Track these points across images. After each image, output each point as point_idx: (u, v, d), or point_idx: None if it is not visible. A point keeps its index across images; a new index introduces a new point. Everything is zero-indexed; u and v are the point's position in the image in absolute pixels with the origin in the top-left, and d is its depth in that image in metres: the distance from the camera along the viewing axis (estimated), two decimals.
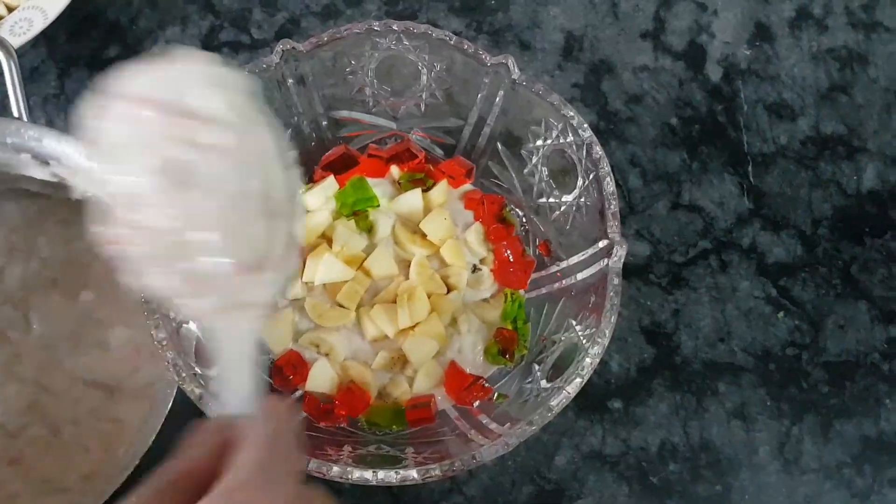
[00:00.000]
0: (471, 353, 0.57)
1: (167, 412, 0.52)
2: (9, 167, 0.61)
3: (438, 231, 0.57)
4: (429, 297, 0.56)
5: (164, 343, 0.46)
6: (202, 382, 0.46)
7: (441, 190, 0.59)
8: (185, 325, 0.50)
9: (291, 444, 0.36)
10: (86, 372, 0.64)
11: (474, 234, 0.59)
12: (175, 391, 0.52)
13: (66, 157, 0.57)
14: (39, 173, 0.61)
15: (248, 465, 0.32)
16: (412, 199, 0.59)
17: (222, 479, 0.31)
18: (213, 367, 0.40)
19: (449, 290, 0.58)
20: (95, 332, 0.65)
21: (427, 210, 0.59)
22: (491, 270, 0.59)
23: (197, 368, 0.47)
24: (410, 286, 0.56)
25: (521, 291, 0.60)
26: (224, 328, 0.37)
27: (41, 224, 0.68)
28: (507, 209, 0.61)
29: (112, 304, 0.66)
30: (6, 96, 0.60)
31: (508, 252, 0.59)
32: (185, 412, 0.53)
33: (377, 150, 0.62)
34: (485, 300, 0.59)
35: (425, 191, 0.60)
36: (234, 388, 0.37)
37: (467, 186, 0.62)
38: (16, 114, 0.59)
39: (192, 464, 0.33)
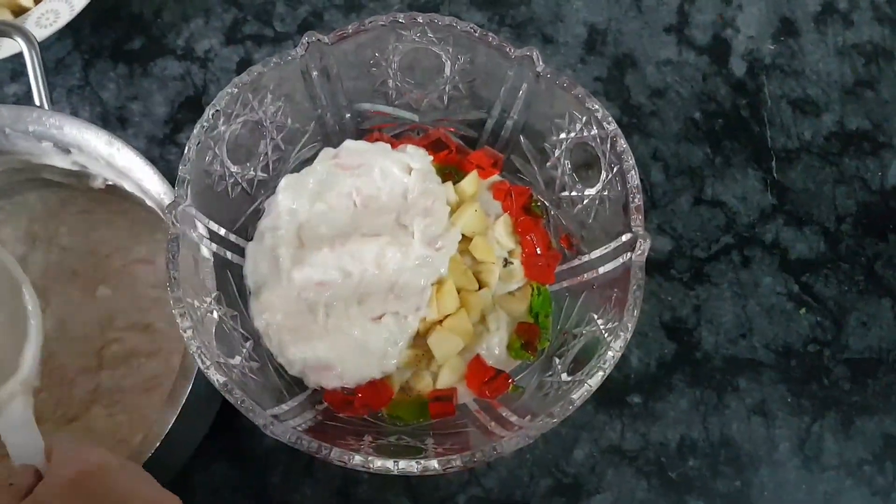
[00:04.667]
0: (496, 349, 0.57)
1: (183, 403, 0.52)
2: (31, 156, 0.61)
3: (470, 223, 0.57)
4: (459, 293, 0.56)
5: (190, 332, 0.46)
6: (225, 370, 0.47)
7: (471, 181, 0.59)
8: (208, 315, 0.50)
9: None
10: (99, 364, 0.65)
11: (503, 225, 0.59)
12: (191, 383, 0.52)
13: (88, 144, 0.58)
14: (61, 161, 0.61)
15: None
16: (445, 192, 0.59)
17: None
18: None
19: (480, 287, 0.57)
20: (108, 333, 0.66)
21: (459, 202, 0.59)
22: (520, 263, 0.59)
23: (221, 356, 0.48)
24: (440, 279, 0.56)
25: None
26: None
27: (62, 214, 0.68)
28: (534, 201, 0.60)
29: (128, 300, 0.67)
30: (29, 86, 0.60)
31: (536, 245, 0.59)
32: (201, 402, 0.53)
33: (411, 139, 0.62)
34: (511, 293, 0.59)
35: (455, 182, 0.60)
36: (24, 447, 0.48)
37: (495, 177, 0.61)
38: (37, 102, 0.60)
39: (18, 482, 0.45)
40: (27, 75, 0.60)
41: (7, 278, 0.54)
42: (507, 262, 0.59)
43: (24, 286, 0.54)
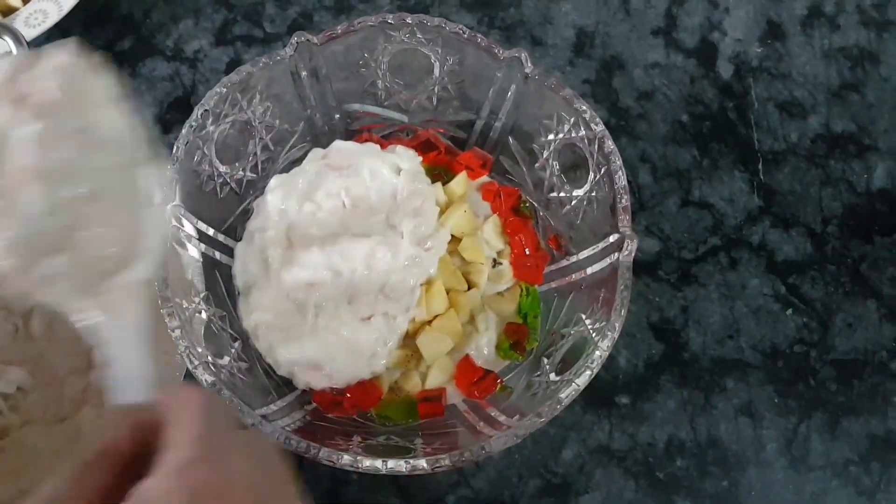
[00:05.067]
0: (485, 349, 0.57)
1: None
2: None
3: (459, 224, 0.58)
4: (448, 294, 0.56)
5: (178, 332, 0.46)
6: (214, 370, 0.47)
7: (460, 181, 0.60)
8: (197, 315, 0.50)
9: (228, 418, 0.36)
10: (88, 365, 0.65)
11: (492, 226, 0.59)
12: (182, 377, 0.52)
13: None
14: None
15: (188, 443, 0.31)
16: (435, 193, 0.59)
17: (162, 460, 0.31)
18: (104, 353, 0.38)
19: (469, 287, 0.58)
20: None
21: (448, 203, 0.59)
22: (509, 263, 0.59)
23: (209, 356, 0.48)
24: (429, 279, 0.56)
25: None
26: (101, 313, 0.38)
27: None
28: (523, 202, 0.61)
29: None
30: None
31: (525, 246, 0.59)
32: None
33: (400, 140, 0.62)
34: (500, 294, 0.59)
35: (444, 183, 0.60)
36: (130, 376, 0.37)
37: (484, 178, 0.62)
38: None
39: (109, 445, 0.33)
40: None
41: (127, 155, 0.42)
42: (495, 263, 0.59)
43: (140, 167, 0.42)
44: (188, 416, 0.33)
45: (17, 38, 0.60)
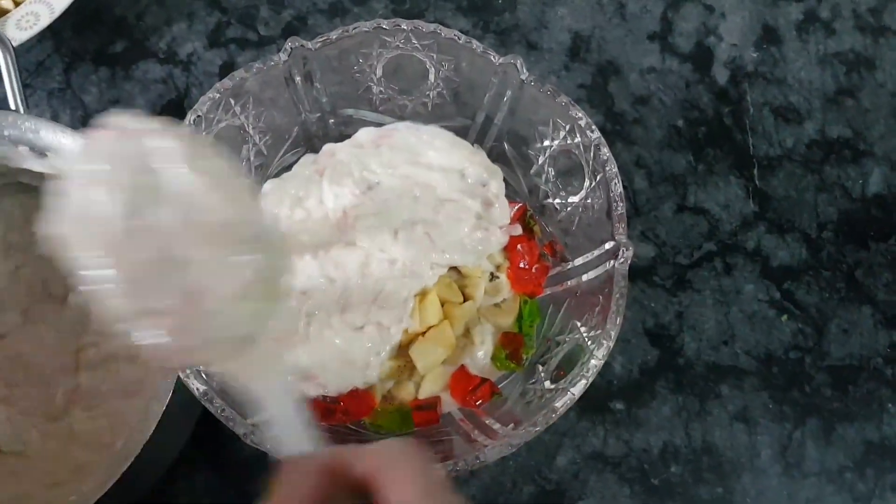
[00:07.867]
0: (482, 361, 0.56)
1: (165, 409, 0.52)
2: (8, 160, 0.60)
3: None
4: (442, 305, 0.55)
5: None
6: (206, 379, 0.46)
7: None
8: None
9: (438, 472, 0.36)
10: (76, 366, 0.64)
11: None
12: (173, 384, 0.51)
13: (63, 147, 0.57)
14: (38, 166, 0.60)
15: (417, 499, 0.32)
16: None
17: None
18: (260, 415, 0.41)
19: (465, 299, 0.57)
20: (84, 337, 0.65)
21: None
22: (507, 277, 0.59)
23: (201, 367, 0.47)
24: (423, 289, 0.55)
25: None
26: (255, 385, 0.39)
27: (39, 220, 0.67)
28: (530, 215, 0.59)
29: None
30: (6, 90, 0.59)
31: (525, 260, 0.58)
32: (183, 407, 0.53)
33: None
34: (497, 305, 0.58)
35: None
36: (289, 431, 0.38)
37: None
38: (13, 106, 0.59)
39: (304, 491, 0.34)
40: (2, 79, 0.60)
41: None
42: (493, 277, 0.58)
43: None
44: (410, 473, 0.33)
45: (2, 41, 0.60)
